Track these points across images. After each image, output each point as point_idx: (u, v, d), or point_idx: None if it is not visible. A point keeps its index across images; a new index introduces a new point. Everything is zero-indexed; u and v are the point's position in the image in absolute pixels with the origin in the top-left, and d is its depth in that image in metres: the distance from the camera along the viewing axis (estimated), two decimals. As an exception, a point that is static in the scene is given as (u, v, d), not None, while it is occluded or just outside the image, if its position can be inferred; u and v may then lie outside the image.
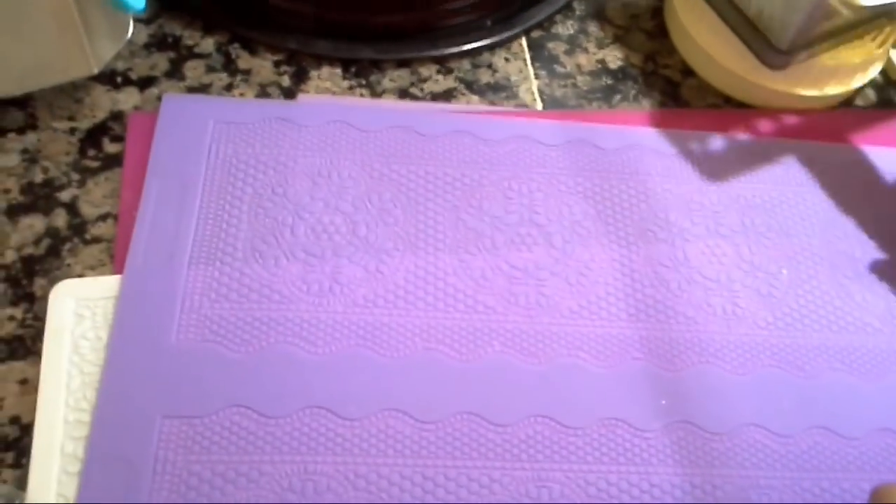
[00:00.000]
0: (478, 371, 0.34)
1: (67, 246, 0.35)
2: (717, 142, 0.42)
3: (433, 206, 0.38)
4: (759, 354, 0.36)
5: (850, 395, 0.36)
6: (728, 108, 0.45)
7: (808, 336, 0.37)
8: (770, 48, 0.41)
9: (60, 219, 0.36)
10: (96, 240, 0.36)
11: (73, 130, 0.39)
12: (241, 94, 0.41)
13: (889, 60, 0.47)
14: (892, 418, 0.35)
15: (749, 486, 0.33)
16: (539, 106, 0.43)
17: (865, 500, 0.33)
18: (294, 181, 0.37)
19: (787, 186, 0.41)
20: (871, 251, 0.40)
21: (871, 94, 0.47)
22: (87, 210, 0.36)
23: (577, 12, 0.47)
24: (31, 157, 0.37)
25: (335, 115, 0.40)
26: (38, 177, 0.37)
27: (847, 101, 0.46)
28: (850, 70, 0.44)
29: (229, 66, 0.42)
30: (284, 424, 0.31)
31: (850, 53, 0.43)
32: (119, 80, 0.40)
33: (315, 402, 0.32)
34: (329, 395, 0.32)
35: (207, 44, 0.42)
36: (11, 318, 0.33)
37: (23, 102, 0.39)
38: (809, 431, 0.34)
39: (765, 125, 0.43)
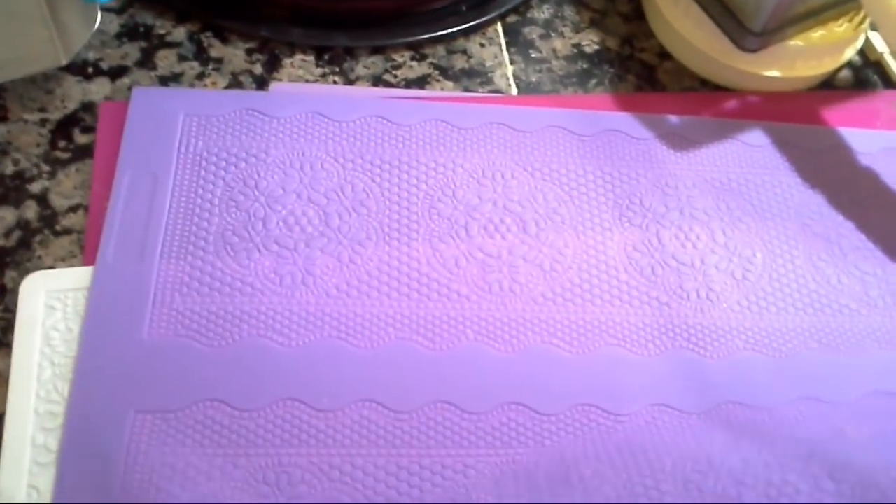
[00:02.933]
0: (451, 360, 0.34)
1: (38, 238, 0.35)
2: (692, 125, 0.42)
3: (407, 195, 0.38)
4: (734, 338, 0.36)
5: (828, 371, 0.36)
6: (704, 90, 0.44)
7: (784, 319, 0.37)
8: (744, 31, 0.41)
9: (31, 210, 0.36)
10: (67, 231, 0.35)
11: (43, 122, 0.38)
12: (214, 83, 0.41)
13: (867, 41, 0.47)
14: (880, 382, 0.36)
15: (723, 463, 0.33)
16: (514, 91, 0.43)
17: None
18: (266, 173, 0.37)
19: (762, 169, 0.41)
20: (847, 233, 0.40)
21: (848, 76, 0.47)
22: (58, 201, 0.36)
23: (554, -4, 0.47)
24: (1, 149, 0.37)
25: (307, 106, 0.39)
26: (9, 168, 0.37)
27: (825, 83, 0.46)
28: (826, 51, 0.44)
29: (201, 54, 0.41)
30: (258, 417, 0.31)
31: (824, 35, 0.43)
32: (90, 70, 0.40)
33: (288, 395, 0.32)
34: (302, 386, 0.32)
35: (179, 33, 0.42)
36: (-18, 312, 0.33)
37: (-8, 95, 0.38)
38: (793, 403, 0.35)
39: (741, 108, 0.43)
